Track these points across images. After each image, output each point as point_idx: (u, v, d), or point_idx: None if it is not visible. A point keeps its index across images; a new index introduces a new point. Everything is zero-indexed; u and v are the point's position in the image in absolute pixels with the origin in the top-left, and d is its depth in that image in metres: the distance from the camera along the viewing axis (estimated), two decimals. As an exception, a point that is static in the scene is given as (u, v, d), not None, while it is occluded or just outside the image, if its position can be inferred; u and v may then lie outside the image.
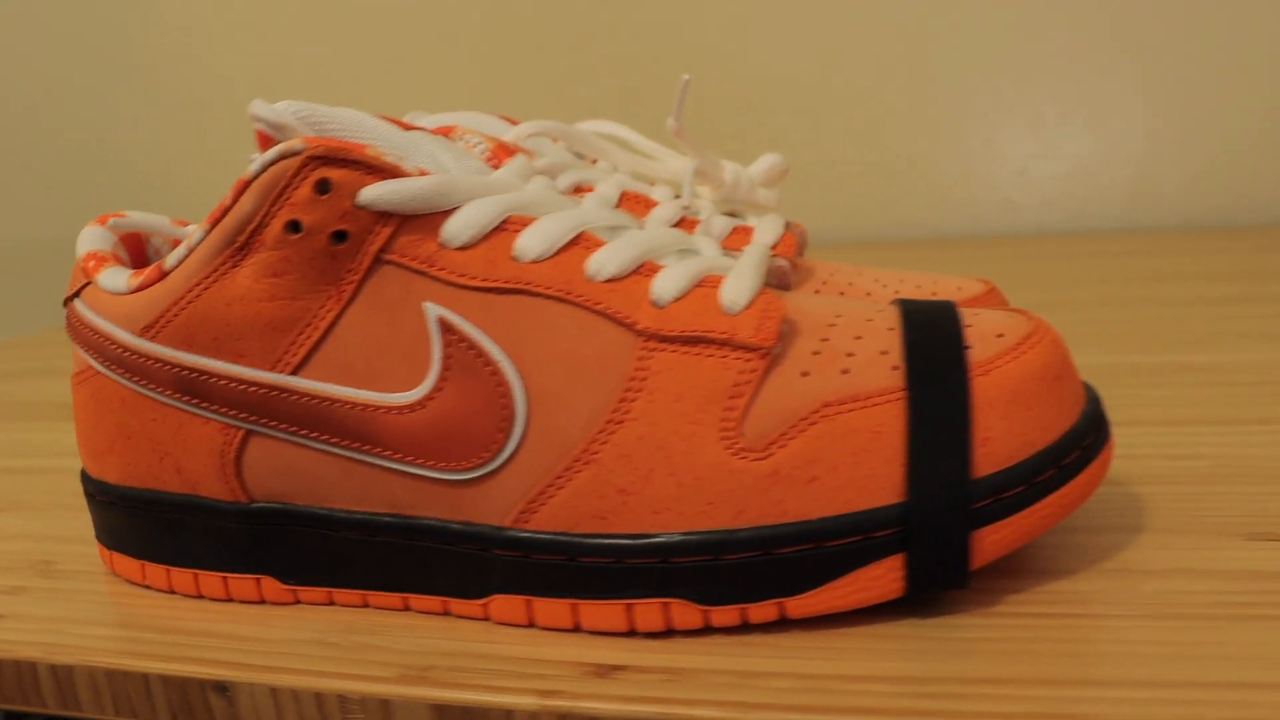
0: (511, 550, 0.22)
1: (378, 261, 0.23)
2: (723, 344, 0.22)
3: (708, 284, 0.23)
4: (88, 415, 0.26)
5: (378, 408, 0.23)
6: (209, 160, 0.93)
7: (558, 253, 0.23)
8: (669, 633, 0.22)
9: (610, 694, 0.20)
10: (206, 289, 0.23)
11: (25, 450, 0.42)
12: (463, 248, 0.23)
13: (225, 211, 0.23)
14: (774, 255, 0.28)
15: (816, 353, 0.23)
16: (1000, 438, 0.22)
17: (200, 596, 0.26)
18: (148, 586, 0.26)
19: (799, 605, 0.21)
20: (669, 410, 0.22)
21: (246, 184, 0.22)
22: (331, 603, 0.25)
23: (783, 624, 0.22)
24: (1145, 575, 0.23)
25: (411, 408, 0.23)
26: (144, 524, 0.26)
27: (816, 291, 0.31)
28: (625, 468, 0.22)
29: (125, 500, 0.26)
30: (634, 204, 0.32)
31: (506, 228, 0.23)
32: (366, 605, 0.25)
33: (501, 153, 0.28)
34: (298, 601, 0.25)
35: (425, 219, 0.23)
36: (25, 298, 1.02)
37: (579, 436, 0.22)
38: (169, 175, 0.95)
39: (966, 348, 0.23)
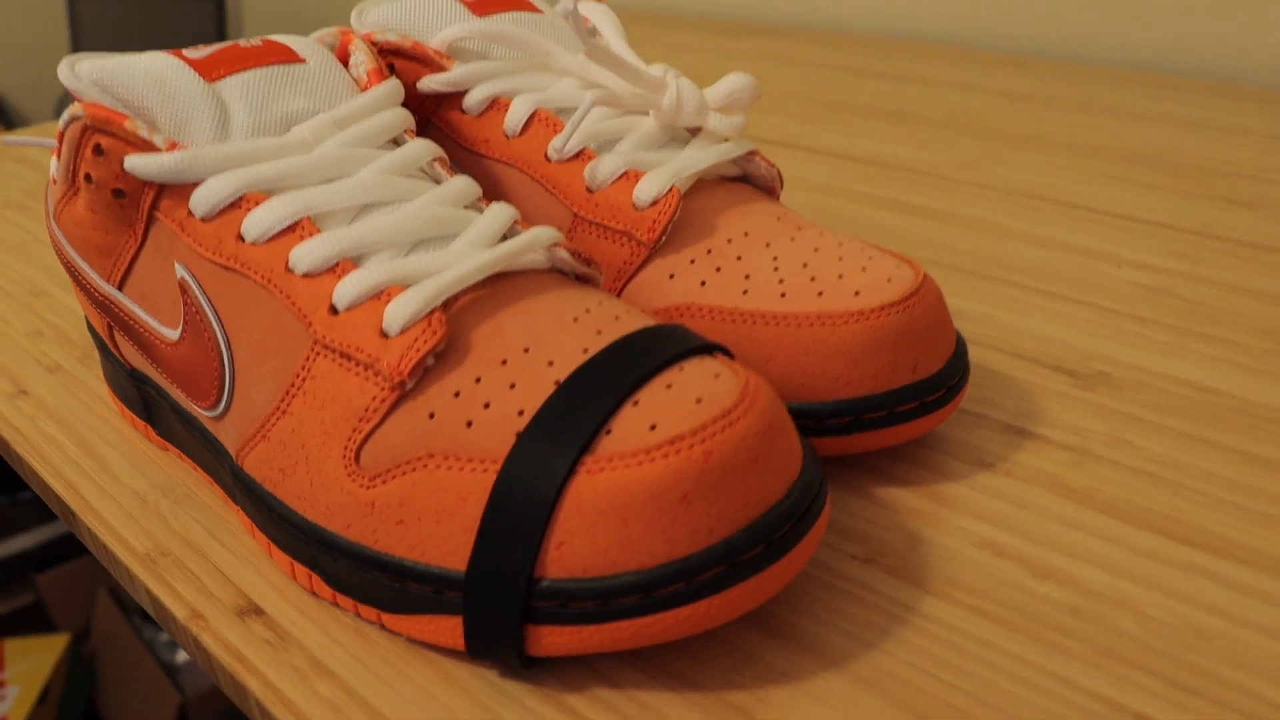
0: (238, 481, 0.27)
1: (151, 217, 0.27)
2: (366, 366, 0.24)
3: (384, 297, 0.24)
4: (67, 261, 0.34)
5: (158, 337, 0.28)
6: None
7: (272, 239, 0.25)
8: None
9: (224, 635, 0.25)
10: (65, 207, 0.29)
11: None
12: (203, 219, 0.26)
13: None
14: (564, 246, 0.26)
15: (457, 394, 0.23)
16: (579, 546, 0.21)
17: (126, 424, 0.34)
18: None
19: (391, 621, 0.24)
20: (314, 416, 0.24)
21: (62, 134, 0.27)
22: (182, 460, 0.32)
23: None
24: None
25: (173, 345, 0.27)
26: (104, 358, 0.34)
27: (692, 261, 0.29)
28: (281, 453, 0.25)
29: (93, 335, 0.34)
30: (541, 127, 0.31)
31: (241, 205, 0.25)
32: (197, 472, 0.31)
33: (375, 76, 0.30)
34: (167, 449, 0.32)
35: (180, 187, 0.26)
36: None
37: (261, 413, 0.25)
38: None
39: (605, 432, 0.22)
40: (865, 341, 0.27)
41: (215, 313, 0.26)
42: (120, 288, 0.29)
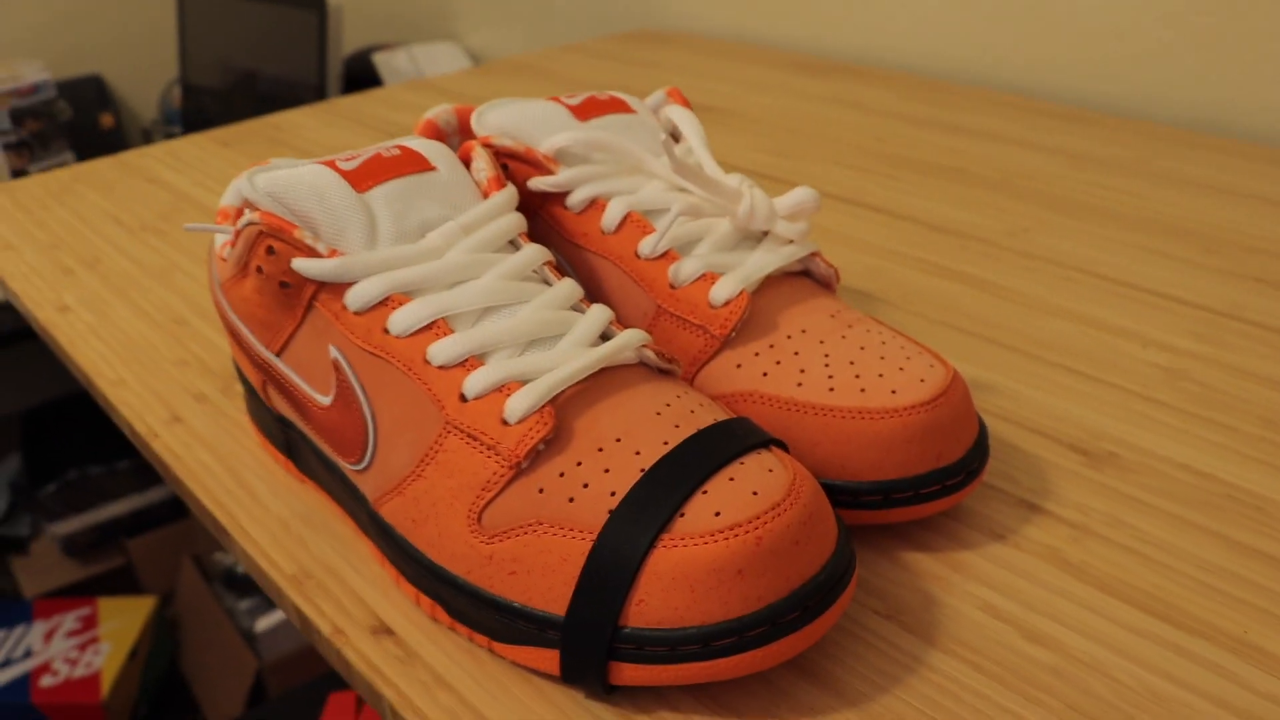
0: (374, 522, 0.34)
1: (310, 305, 0.33)
2: (490, 447, 0.30)
3: (506, 390, 0.31)
4: (225, 314, 0.41)
5: (311, 401, 0.35)
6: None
7: (412, 334, 0.32)
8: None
9: (363, 650, 0.32)
10: (233, 284, 0.36)
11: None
12: (355, 313, 0.32)
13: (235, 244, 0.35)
14: (650, 347, 0.33)
15: (562, 474, 0.30)
16: (655, 604, 0.28)
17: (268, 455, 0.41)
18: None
19: (500, 648, 0.31)
20: (444, 482, 0.31)
21: (239, 232, 0.34)
22: (318, 493, 0.39)
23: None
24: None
25: (325, 409, 0.34)
26: (252, 400, 0.41)
27: (756, 354, 0.35)
28: (415, 507, 0.32)
29: (242, 380, 0.41)
30: (633, 227, 0.38)
31: (388, 304, 0.32)
32: (331, 505, 0.38)
33: (495, 184, 0.36)
34: (305, 482, 0.39)
35: (337, 285, 0.33)
36: None
37: (399, 473, 0.32)
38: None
39: (680, 515, 0.28)
40: (897, 434, 0.33)
41: (363, 389, 0.33)
42: (279, 355, 0.36)
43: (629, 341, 0.32)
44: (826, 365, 0.34)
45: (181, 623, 1.25)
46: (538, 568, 0.29)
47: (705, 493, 0.28)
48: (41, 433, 1.29)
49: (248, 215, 0.33)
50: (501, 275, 0.33)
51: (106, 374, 0.48)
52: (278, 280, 0.34)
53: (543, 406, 0.30)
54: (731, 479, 0.29)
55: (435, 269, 0.32)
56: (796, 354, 0.35)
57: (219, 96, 1.25)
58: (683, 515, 0.28)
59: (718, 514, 0.28)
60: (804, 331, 0.36)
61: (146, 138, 1.43)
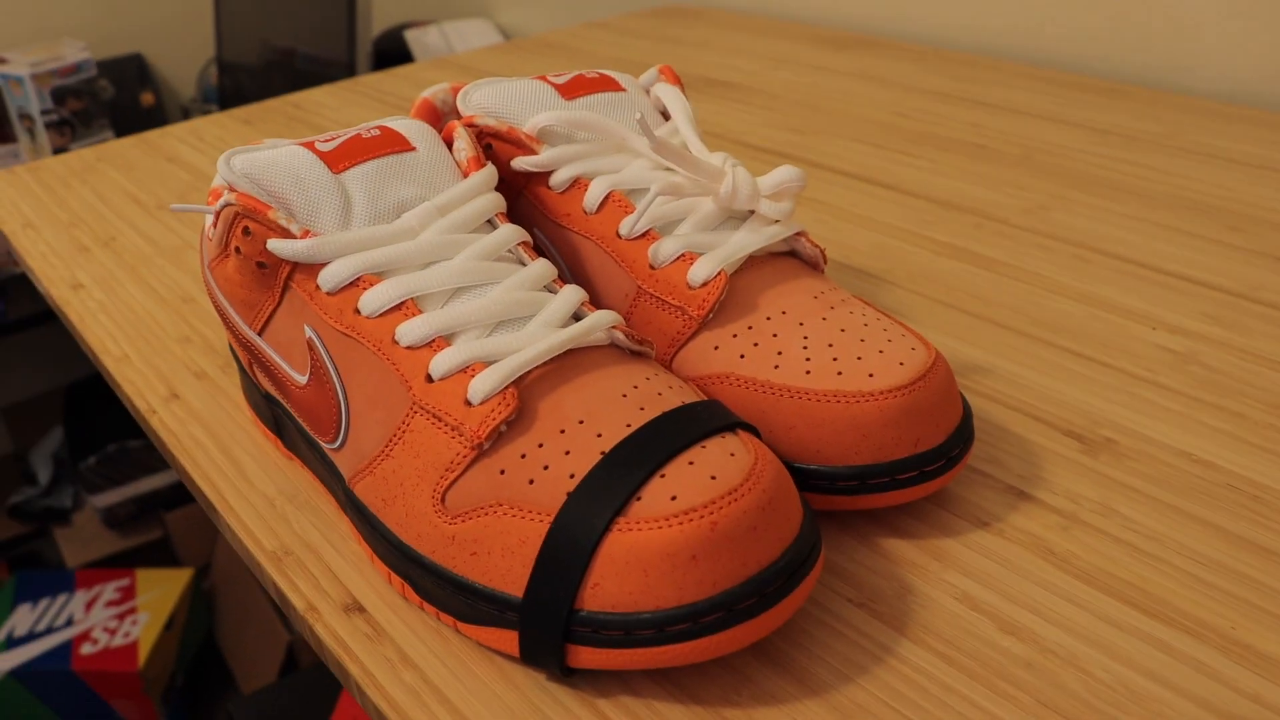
0: (350, 500, 0.35)
1: (287, 285, 0.34)
2: (454, 428, 0.30)
3: (470, 371, 0.31)
4: (216, 293, 0.42)
5: (289, 379, 0.35)
6: None
7: (382, 315, 0.32)
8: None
9: (333, 627, 0.33)
10: (218, 265, 0.36)
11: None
12: (328, 293, 0.33)
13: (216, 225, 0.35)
14: (620, 329, 0.33)
15: (524, 456, 0.30)
16: (610, 588, 0.28)
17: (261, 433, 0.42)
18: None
19: (464, 628, 0.31)
20: (410, 461, 0.31)
21: (219, 213, 0.34)
22: (304, 470, 0.40)
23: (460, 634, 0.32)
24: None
25: (302, 388, 0.35)
26: (243, 378, 0.42)
27: (735, 336, 0.35)
28: (384, 486, 0.32)
29: (235, 357, 0.42)
30: (614, 207, 0.37)
31: (359, 284, 0.32)
32: (315, 483, 0.39)
33: (474, 164, 0.36)
34: (292, 460, 0.40)
35: (311, 265, 0.33)
36: None
37: (370, 452, 0.32)
38: None
39: (636, 499, 0.28)
40: (874, 419, 0.32)
41: (335, 369, 0.33)
42: (260, 334, 0.36)
43: (598, 323, 0.32)
44: (805, 347, 0.34)
45: (217, 595, 1.28)
46: (497, 549, 0.29)
47: (663, 476, 0.28)
48: (82, 407, 1.33)
49: (225, 196, 0.34)
50: (474, 256, 0.33)
51: (112, 350, 0.49)
52: (255, 260, 0.34)
53: (506, 388, 0.30)
54: (691, 463, 0.29)
55: (407, 250, 0.33)
56: (775, 336, 0.35)
57: (254, 74, 1.26)
58: (639, 499, 0.28)
59: (674, 498, 0.28)
60: (784, 313, 0.35)
61: (185, 115, 1.45)
